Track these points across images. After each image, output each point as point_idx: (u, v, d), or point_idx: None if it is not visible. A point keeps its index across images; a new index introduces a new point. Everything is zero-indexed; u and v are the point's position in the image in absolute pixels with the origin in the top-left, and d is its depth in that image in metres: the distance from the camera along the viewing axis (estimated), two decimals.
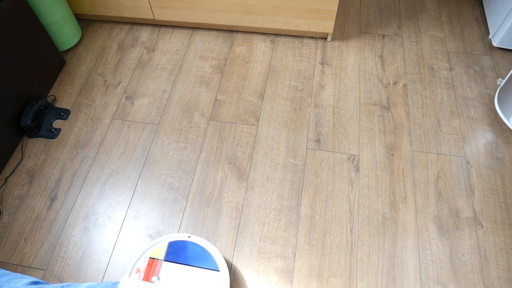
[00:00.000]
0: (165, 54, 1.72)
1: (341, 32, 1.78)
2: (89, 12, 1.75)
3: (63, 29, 1.64)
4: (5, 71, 1.35)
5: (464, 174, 1.36)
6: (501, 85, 1.46)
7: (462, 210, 1.28)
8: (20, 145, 1.46)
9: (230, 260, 1.21)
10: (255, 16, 1.64)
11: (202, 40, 1.76)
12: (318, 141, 1.45)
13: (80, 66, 1.68)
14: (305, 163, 1.39)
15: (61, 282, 1.18)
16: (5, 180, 1.38)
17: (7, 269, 1.15)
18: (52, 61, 1.60)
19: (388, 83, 1.60)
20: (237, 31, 1.79)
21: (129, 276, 1.03)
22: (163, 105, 1.55)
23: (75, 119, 1.53)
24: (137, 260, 1.05)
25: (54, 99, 1.59)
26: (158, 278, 1.02)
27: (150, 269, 1.04)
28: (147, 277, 1.02)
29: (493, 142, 1.43)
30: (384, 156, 1.41)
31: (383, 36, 1.76)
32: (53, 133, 1.48)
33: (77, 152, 1.44)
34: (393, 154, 1.41)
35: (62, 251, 1.23)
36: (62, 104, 1.57)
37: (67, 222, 1.28)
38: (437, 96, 1.56)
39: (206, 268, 1.04)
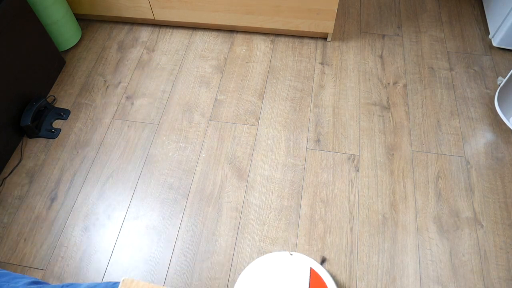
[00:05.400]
0: (165, 54, 1.72)
1: (341, 32, 1.78)
2: (89, 12, 1.75)
3: (63, 29, 1.64)
4: (5, 71, 1.35)
5: (464, 174, 1.36)
6: (501, 85, 1.45)
7: (462, 210, 1.28)
8: (19, 145, 1.46)
9: (231, 260, 1.21)
10: (255, 16, 1.64)
11: (202, 40, 1.76)
12: (318, 141, 1.45)
13: (80, 66, 1.68)
14: (305, 163, 1.39)
15: (61, 282, 1.18)
16: (3, 181, 1.37)
17: (7, 269, 1.15)
18: (52, 61, 1.60)
19: (388, 83, 1.60)
20: (237, 31, 1.79)
21: None
22: (163, 105, 1.55)
23: (75, 119, 1.53)
24: None
25: (54, 99, 1.59)
26: None
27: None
28: None
29: (493, 142, 1.43)
30: (384, 156, 1.40)
31: (383, 36, 1.76)
32: (53, 133, 1.48)
33: (77, 152, 1.44)
34: (393, 154, 1.41)
35: (62, 251, 1.23)
36: (62, 104, 1.57)
37: (67, 222, 1.28)
38: (437, 96, 1.56)
39: None
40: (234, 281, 1.17)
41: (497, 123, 1.47)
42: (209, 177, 1.37)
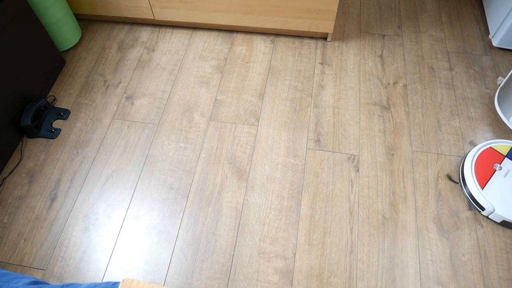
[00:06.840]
0: (165, 54, 1.72)
1: (341, 32, 1.78)
2: (89, 12, 1.75)
3: (63, 29, 1.64)
4: (5, 71, 1.35)
5: None
6: (501, 85, 1.46)
7: (462, 210, 1.28)
8: (19, 145, 1.46)
9: (231, 260, 1.21)
10: (255, 16, 1.64)
11: (202, 40, 1.76)
12: (318, 141, 1.45)
13: (80, 66, 1.68)
14: (305, 163, 1.39)
15: (61, 282, 1.18)
16: (3, 181, 1.38)
17: (7, 269, 1.15)
18: (52, 61, 1.60)
19: (388, 83, 1.60)
20: (237, 31, 1.79)
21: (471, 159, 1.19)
22: (163, 105, 1.55)
23: (75, 119, 1.53)
24: (480, 148, 1.29)
25: (54, 99, 1.59)
26: (500, 168, 1.20)
27: (490, 157, 1.27)
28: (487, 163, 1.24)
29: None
30: (384, 156, 1.41)
31: (383, 36, 1.76)
32: (53, 133, 1.48)
33: (77, 152, 1.44)
34: (393, 154, 1.41)
35: (62, 251, 1.23)
36: (62, 104, 1.57)
37: (67, 222, 1.28)
38: (437, 96, 1.56)
39: None
40: (234, 281, 1.17)
41: (497, 123, 1.47)
42: (209, 177, 1.37)
